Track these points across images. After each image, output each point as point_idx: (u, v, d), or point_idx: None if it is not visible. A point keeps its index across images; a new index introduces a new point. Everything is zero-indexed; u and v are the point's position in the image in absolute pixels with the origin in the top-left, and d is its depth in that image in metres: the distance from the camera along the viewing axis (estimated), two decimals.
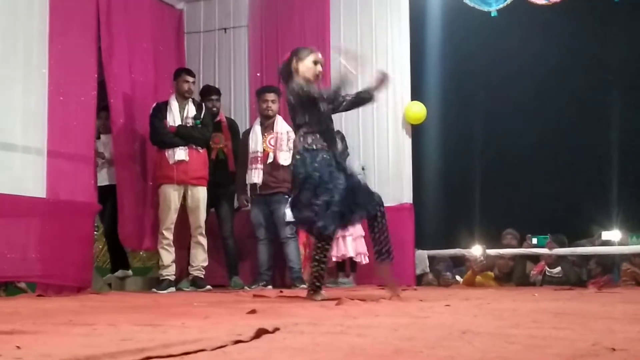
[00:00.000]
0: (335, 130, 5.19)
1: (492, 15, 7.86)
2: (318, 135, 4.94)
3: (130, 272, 7.95)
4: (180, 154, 7.26)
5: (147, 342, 2.29)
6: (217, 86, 8.34)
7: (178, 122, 7.32)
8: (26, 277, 6.54)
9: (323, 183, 4.80)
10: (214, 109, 7.84)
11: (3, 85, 6.28)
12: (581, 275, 7.52)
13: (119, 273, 7.81)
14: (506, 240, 8.00)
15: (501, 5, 7.80)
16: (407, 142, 8.00)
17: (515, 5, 7.77)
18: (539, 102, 8.62)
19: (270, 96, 7.60)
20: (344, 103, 5.12)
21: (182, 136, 7.28)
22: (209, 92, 7.96)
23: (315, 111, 4.95)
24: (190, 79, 7.51)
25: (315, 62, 5.06)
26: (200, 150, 7.40)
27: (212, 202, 7.67)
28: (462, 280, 7.98)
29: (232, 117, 8.40)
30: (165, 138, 7.30)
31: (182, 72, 7.60)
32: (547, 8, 7.70)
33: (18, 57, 6.43)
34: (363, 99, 5.18)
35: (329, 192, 4.77)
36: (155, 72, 8.17)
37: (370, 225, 5.05)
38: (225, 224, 7.81)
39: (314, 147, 4.91)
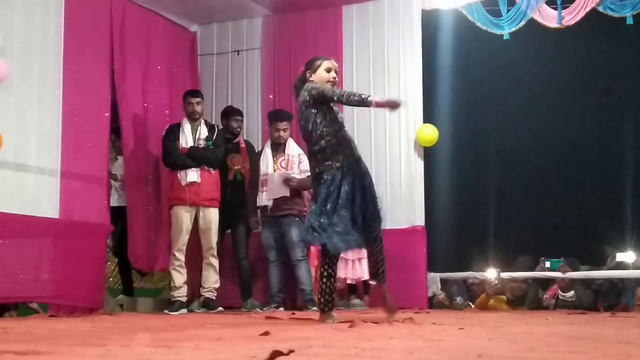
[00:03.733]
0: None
1: (504, 38, 7.87)
2: (326, 152, 4.94)
3: (126, 298, 7.92)
4: (192, 175, 7.27)
5: None
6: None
7: (190, 143, 7.33)
8: (38, 298, 6.54)
9: (323, 205, 4.85)
10: (238, 129, 7.85)
11: (18, 107, 6.32)
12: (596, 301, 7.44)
13: (120, 297, 7.83)
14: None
15: (513, 28, 7.81)
16: (419, 165, 7.99)
17: (528, 28, 7.78)
18: (551, 124, 8.60)
19: (283, 125, 7.60)
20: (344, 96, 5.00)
21: (194, 157, 7.30)
22: (233, 112, 7.97)
23: (328, 115, 4.96)
24: (194, 100, 7.49)
25: (329, 70, 5.06)
26: (212, 172, 7.41)
27: (228, 223, 7.68)
28: (474, 303, 7.93)
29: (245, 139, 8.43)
30: (177, 160, 7.32)
31: (186, 94, 7.60)
32: (559, 30, 7.71)
33: (33, 78, 6.48)
34: (358, 101, 4.96)
35: (327, 213, 4.81)
36: (168, 94, 8.19)
37: (369, 248, 5.08)
38: (240, 246, 7.81)
39: (317, 169, 4.99)
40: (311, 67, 5.10)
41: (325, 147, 4.94)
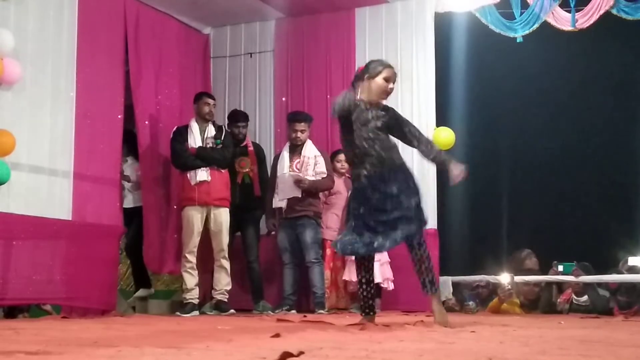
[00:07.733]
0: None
1: (518, 41, 7.84)
2: (354, 162, 4.96)
3: (152, 290, 7.93)
4: (202, 174, 7.27)
5: None
6: (242, 110, 8.37)
7: (199, 144, 7.33)
8: (51, 299, 6.56)
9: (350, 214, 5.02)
10: (240, 135, 7.84)
11: (31, 109, 6.35)
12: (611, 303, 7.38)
13: (140, 292, 7.81)
14: (527, 264, 7.92)
15: (527, 31, 7.78)
16: (431, 168, 7.96)
17: (541, 31, 7.75)
18: (565, 128, 8.55)
19: (300, 126, 7.59)
20: (410, 133, 5.09)
21: (202, 158, 7.29)
22: (236, 119, 7.95)
23: (348, 129, 4.87)
24: (211, 101, 7.52)
25: (387, 79, 4.89)
26: (222, 171, 7.41)
27: (238, 226, 7.68)
28: (487, 308, 7.89)
29: (257, 142, 8.42)
30: (187, 160, 7.32)
31: (202, 95, 7.62)
32: (573, 33, 7.68)
33: (46, 80, 6.51)
34: (431, 152, 5.15)
35: (352, 223, 4.91)
36: (180, 97, 8.21)
37: (410, 255, 5.02)
38: (251, 248, 7.80)
39: (351, 178, 5.08)
40: (370, 71, 4.88)
41: (356, 154, 4.92)
